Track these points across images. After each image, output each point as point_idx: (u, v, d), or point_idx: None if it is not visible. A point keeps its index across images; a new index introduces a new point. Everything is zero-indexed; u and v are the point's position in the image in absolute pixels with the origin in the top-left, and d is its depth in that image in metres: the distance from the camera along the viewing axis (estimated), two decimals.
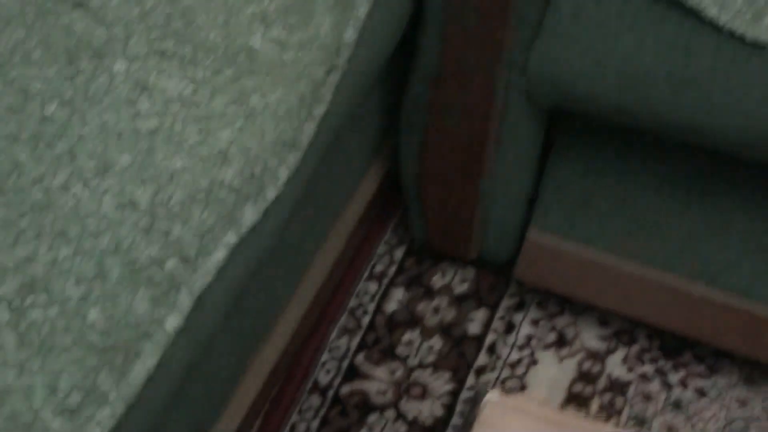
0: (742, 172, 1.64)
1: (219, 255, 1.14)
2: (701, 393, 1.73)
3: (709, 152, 1.58)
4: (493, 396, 1.07)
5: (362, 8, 1.34)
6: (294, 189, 1.26)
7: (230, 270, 1.17)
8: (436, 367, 1.72)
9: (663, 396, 1.73)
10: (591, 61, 1.48)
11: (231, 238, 1.16)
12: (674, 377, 1.75)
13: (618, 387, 1.73)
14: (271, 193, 1.21)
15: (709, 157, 1.61)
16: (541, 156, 1.71)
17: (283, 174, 1.23)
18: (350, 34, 1.32)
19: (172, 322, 1.09)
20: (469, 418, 1.05)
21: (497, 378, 1.71)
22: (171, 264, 1.11)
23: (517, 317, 1.79)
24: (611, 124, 1.61)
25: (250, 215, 1.18)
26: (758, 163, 1.53)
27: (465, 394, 1.69)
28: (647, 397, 1.72)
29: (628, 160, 1.70)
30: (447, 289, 1.82)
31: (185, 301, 1.10)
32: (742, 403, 1.73)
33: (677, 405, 1.72)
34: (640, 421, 1.71)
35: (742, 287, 1.66)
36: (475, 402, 1.09)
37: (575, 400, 1.71)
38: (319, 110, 1.28)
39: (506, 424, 1.07)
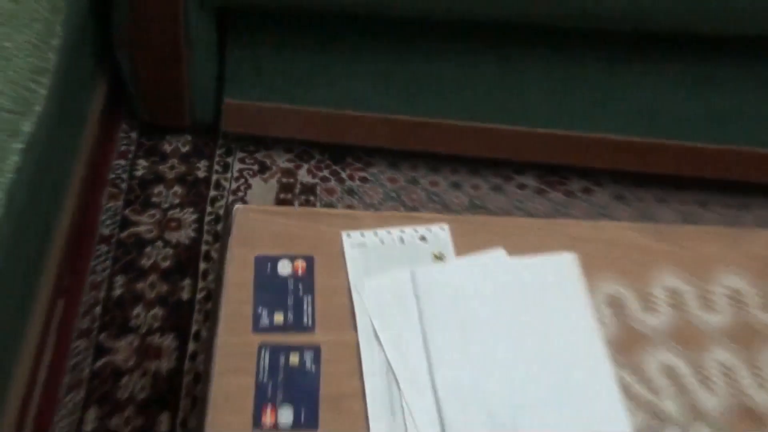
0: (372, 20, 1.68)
1: (14, 159, 1.14)
2: (364, 180, 1.84)
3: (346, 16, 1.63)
4: (240, 206, 1.13)
5: None
6: (53, 104, 1.26)
7: (25, 167, 1.17)
8: (182, 205, 1.75)
9: (339, 188, 1.82)
10: None
11: (18, 144, 1.15)
12: (344, 174, 1.84)
13: (309, 189, 1.81)
14: (38, 108, 1.20)
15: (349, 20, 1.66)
16: (221, 42, 1.72)
17: (42, 94, 1.22)
18: None
19: None
20: (225, 228, 1.10)
21: (226, 202, 1.76)
22: None
23: (229, 159, 1.84)
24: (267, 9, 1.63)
25: (28, 127, 1.18)
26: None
27: (207, 218, 1.73)
28: (330, 192, 1.81)
29: (288, 33, 1.71)
30: (175, 151, 1.84)
31: (9, 174, 1.12)
32: (392, 180, 1.85)
33: (351, 191, 1.82)
34: (329, 205, 1.79)
35: (377, 106, 1.74)
36: (225, 216, 1.14)
37: (283, 203, 1.77)
38: (55, 42, 1.28)
39: (258, 222, 1.11)
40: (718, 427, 0.99)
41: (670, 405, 1.01)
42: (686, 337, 1.06)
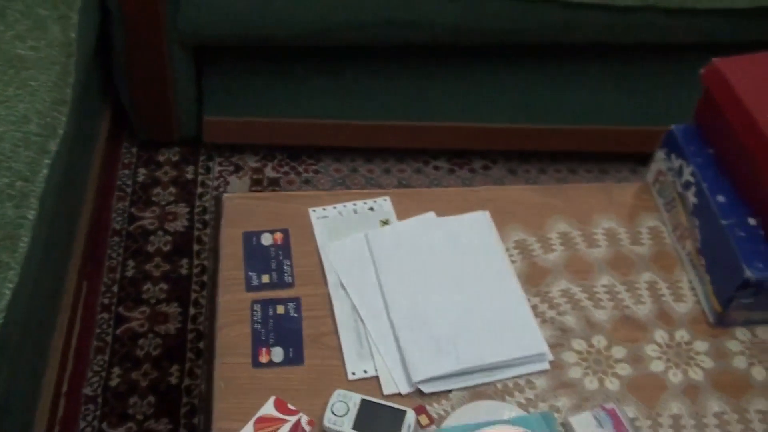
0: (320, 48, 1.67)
1: (44, 172, 1.10)
2: (316, 172, 1.79)
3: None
4: (228, 195, 1.10)
5: (74, 17, 1.30)
6: (71, 128, 1.22)
7: (53, 179, 1.13)
8: (176, 202, 1.70)
9: (297, 179, 1.78)
10: (214, 17, 1.50)
11: (47, 163, 1.12)
12: (300, 169, 1.80)
13: (274, 182, 1.77)
14: (60, 131, 1.17)
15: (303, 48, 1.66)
16: (199, 72, 1.68)
17: (63, 120, 1.19)
18: (73, 34, 1.28)
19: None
20: (217, 213, 1.07)
21: (211, 196, 1.72)
22: (20, 183, 1.07)
23: (211, 163, 1.79)
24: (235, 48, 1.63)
25: (53, 146, 1.14)
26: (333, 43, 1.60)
27: (197, 210, 1.69)
28: (290, 183, 1.77)
29: (251, 62, 1.68)
30: (168, 160, 1.79)
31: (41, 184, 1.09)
32: (337, 171, 1.80)
33: (306, 181, 1.78)
34: (289, 191, 1.74)
35: (323, 114, 1.71)
36: (216, 204, 1.11)
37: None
38: (71, 80, 1.24)
39: (242, 206, 1.08)
40: (607, 334, 1.00)
41: (570, 320, 1.00)
42: (578, 268, 1.06)
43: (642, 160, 1.19)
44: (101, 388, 1.42)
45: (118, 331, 1.50)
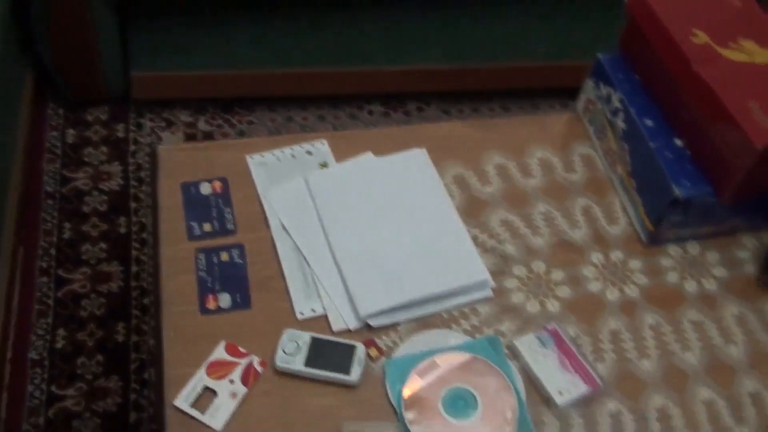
0: None
1: None
2: (250, 123, 1.78)
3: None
4: (163, 146, 1.09)
5: None
6: None
7: None
8: (109, 161, 1.68)
9: (232, 131, 1.77)
10: None
11: None
12: (234, 120, 1.78)
13: (208, 135, 1.75)
14: None
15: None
16: (123, 27, 1.65)
17: None
18: None
19: None
20: (153, 165, 1.06)
21: (144, 154, 1.70)
22: None
23: (142, 120, 1.77)
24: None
25: None
26: None
27: (131, 168, 1.67)
28: (225, 135, 1.75)
29: (177, 14, 1.66)
30: (97, 119, 1.76)
31: None
32: (272, 120, 1.80)
33: (241, 133, 1.77)
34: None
35: (253, 64, 1.70)
36: (152, 157, 1.10)
37: None
38: None
39: (178, 157, 1.06)
40: (546, 259, 1.03)
41: (510, 248, 1.03)
42: (515, 198, 1.09)
43: (571, 95, 1.22)
44: (47, 351, 1.41)
45: (59, 294, 1.48)
